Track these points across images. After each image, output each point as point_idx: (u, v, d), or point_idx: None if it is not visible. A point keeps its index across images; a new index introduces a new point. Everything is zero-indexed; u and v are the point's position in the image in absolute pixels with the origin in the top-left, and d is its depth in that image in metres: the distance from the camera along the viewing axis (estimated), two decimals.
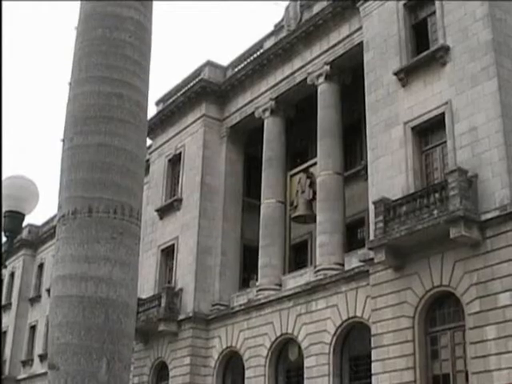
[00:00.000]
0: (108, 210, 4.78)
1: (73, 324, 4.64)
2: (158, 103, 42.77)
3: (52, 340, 4.80)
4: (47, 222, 61.22)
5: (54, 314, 4.82)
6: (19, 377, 58.34)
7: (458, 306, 23.11)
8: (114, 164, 4.87)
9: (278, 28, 36.64)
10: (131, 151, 4.98)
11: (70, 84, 5.23)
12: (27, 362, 58.35)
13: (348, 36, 31.85)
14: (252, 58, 37.50)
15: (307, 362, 29.43)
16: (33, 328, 59.15)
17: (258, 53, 37.12)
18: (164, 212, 39.68)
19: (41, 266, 60.79)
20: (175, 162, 40.44)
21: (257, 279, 34.40)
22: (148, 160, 41.08)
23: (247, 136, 39.08)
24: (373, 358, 25.07)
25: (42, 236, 61.26)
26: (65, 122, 5.18)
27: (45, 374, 47.77)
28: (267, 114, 36.10)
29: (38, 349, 56.65)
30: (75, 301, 4.66)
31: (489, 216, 22.49)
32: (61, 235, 4.85)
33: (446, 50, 25.47)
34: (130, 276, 4.84)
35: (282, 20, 36.43)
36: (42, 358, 54.46)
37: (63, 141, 5.09)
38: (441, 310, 24.07)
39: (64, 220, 4.83)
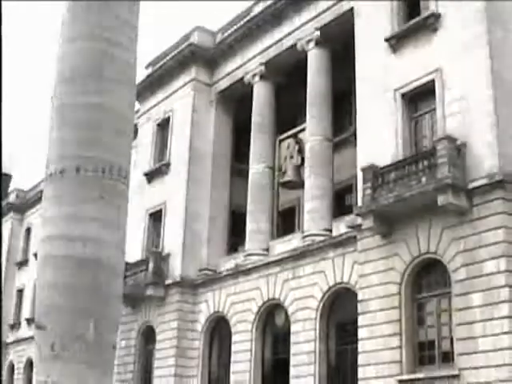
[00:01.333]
0: (96, 169, 4.73)
1: (60, 284, 4.61)
2: (147, 67, 42.49)
3: (39, 300, 4.77)
4: (35, 187, 61.05)
5: (41, 274, 4.79)
6: (7, 340, 58.44)
7: (445, 272, 23.24)
8: (103, 123, 4.82)
9: None
10: (120, 111, 4.93)
11: (60, 42, 5.16)
12: (15, 326, 58.46)
13: (337, 2, 31.64)
14: (241, 22, 37.25)
15: (294, 328, 29.59)
16: (20, 292, 59.19)
17: (248, 17, 36.86)
18: (152, 176, 39.62)
19: (28, 230, 60.74)
20: (164, 126, 40.30)
21: (244, 244, 34.47)
22: (136, 124, 40.91)
23: (236, 101, 38.95)
24: (359, 324, 25.23)
25: (29, 200, 61.12)
26: (54, 81, 5.12)
27: (32, 337, 47.92)
28: (256, 79, 35.96)
29: (26, 313, 56.76)
30: (62, 261, 4.63)
31: (477, 184, 22.53)
32: (48, 195, 4.81)
33: (436, 17, 25.34)
34: (119, 236, 4.81)
35: None
36: (30, 321, 54.56)
37: (52, 99, 5.04)
38: (427, 277, 24.20)
39: (51, 179, 4.79)
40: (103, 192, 4.73)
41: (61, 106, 4.94)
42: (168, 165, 38.68)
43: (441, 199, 22.45)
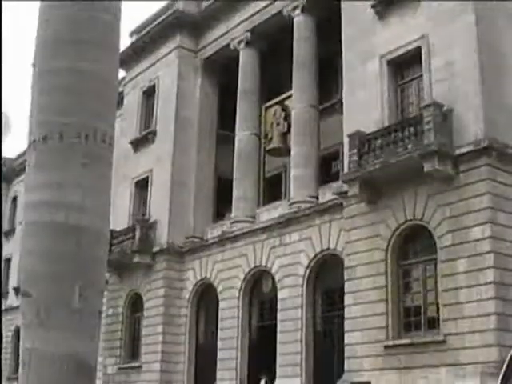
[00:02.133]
0: (79, 135, 4.69)
1: (44, 251, 4.59)
2: (132, 34, 42.17)
3: (24, 267, 4.75)
4: (21, 155, 60.65)
5: (25, 242, 4.76)
6: None
7: (431, 239, 23.35)
8: (86, 88, 4.77)
9: None
10: (103, 75, 4.88)
11: (41, 7, 5.09)
12: (2, 295, 58.39)
13: None
14: None
15: (281, 294, 29.74)
16: (7, 261, 59.13)
17: None
18: (138, 144, 39.49)
19: (15, 199, 60.51)
20: (150, 93, 40.10)
21: (231, 212, 34.51)
22: (122, 92, 40.70)
23: (222, 68, 38.74)
24: (345, 290, 25.37)
25: (16, 169, 60.77)
26: (35, 47, 5.06)
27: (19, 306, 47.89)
28: (242, 45, 35.77)
29: (13, 282, 56.76)
30: (46, 227, 4.60)
31: (463, 150, 22.59)
32: (31, 161, 4.77)
33: None
34: (102, 202, 4.78)
35: None
36: (17, 290, 54.55)
37: (34, 65, 4.98)
38: (413, 244, 24.33)
39: (34, 146, 4.75)
40: (87, 158, 4.69)
41: (42, 72, 4.88)
42: (154, 132, 38.55)
43: (427, 166, 22.50)
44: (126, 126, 40.41)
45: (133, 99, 41.03)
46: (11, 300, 56.31)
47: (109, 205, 4.89)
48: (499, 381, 9.64)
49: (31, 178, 4.77)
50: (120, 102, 39.57)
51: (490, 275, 21.29)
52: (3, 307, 56.52)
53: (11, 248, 58.40)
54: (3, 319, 56.74)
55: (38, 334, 4.52)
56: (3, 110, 10.96)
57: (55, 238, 4.57)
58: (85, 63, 4.78)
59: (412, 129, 23.57)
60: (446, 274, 22.36)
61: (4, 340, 56.48)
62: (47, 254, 4.58)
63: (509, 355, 9.53)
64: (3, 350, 56.19)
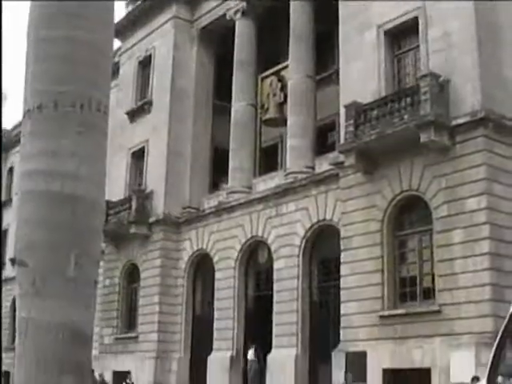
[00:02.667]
0: (74, 104, 4.68)
1: (40, 220, 4.60)
2: (127, 4, 41.88)
3: (20, 236, 4.76)
4: (18, 125, 60.33)
5: (21, 211, 4.77)
6: None
7: (427, 210, 23.38)
8: (81, 57, 4.76)
9: None
10: (98, 45, 4.87)
11: None
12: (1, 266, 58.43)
13: None
14: None
15: (277, 265, 29.80)
16: (4, 232, 59.06)
17: None
18: (134, 115, 39.34)
19: (11, 170, 60.35)
20: (145, 64, 39.88)
21: (227, 182, 34.49)
22: (118, 62, 40.51)
23: (218, 38, 38.54)
24: (342, 261, 25.43)
25: (12, 139, 60.50)
26: (29, 16, 5.04)
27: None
28: (238, 15, 35.54)
29: (10, 252, 56.77)
30: (42, 196, 4.60)
31: (459, 121, 22.55)
32: (26, 130, 4.76)
33: None
34: (98, 171, 4.79)
35: None
36: (14, 261, 54.58)
37: (28, 34, 4.96)
38: (409, 214, 24.36)
39: (29, 114, 4.74)
40: (82, 127, 4.69)
41: (37, 41, 4.87)
42: (150, 103, 38.41)
43: (423, 136, 22.47)
44: (121, 96, 40.25)
45: (128, 69, 40.85)
46: (8, 271, 56.33)
47: (104, 173, 4.90)
48: (493, 350, 9.69)
49: (26, 147, 4.76)
50: (116, 73, 39.38)
51: (486, 246, 21.35)
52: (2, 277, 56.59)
53: (8, 218, 58.31)
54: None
55: (33, 303, 4.53)
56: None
57: (51, 207, 4.58)
58: (80, 32, 4.77)
59: (408, 99, 23.50)
60: (442, 244, 22.42)
61: (3, 311, 56.58)
62: (43, 223, 4.58)
63: (503, 325, 9.57)
64: (2, 320, 56.31)
